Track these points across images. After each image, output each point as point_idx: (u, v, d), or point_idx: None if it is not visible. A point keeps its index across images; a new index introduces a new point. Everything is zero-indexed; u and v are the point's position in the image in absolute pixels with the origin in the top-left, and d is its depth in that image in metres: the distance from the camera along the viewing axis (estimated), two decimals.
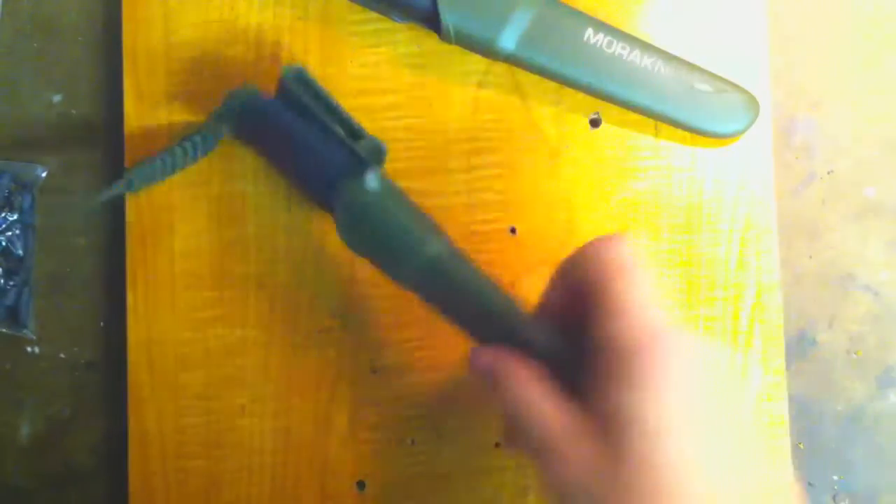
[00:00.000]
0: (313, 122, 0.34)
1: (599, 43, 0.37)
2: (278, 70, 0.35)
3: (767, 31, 0.39)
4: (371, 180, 0.33)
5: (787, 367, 0.39)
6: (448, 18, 0.36)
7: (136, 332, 0.39)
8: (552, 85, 0.39)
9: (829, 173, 0.41)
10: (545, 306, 0.31)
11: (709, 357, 0.26)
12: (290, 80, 0.34)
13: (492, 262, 0.38)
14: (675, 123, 0.38)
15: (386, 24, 0.39)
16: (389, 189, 0.34)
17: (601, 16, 0.38)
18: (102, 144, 0.41)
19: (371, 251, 0.34)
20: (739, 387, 0.29)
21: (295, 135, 0.35)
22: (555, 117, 0.39)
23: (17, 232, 0.40)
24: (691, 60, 0.38)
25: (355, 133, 0.34)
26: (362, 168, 0.33)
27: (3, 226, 0.40)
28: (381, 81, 0.39)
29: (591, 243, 0.29)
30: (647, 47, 0.37)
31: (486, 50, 0.37)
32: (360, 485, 0.39)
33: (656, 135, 0.39)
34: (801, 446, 0.41)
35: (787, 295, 0.40)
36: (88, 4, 0.41)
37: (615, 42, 0.37)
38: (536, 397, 0.27)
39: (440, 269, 0.32)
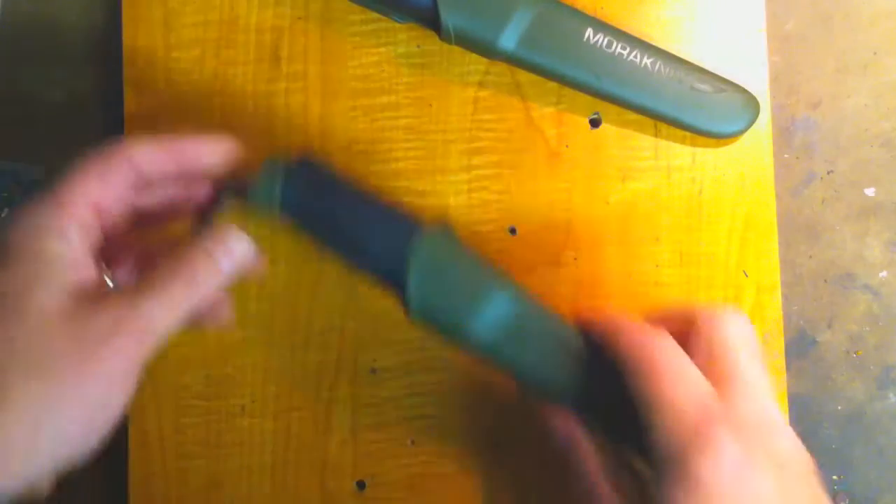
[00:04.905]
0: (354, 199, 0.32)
1: (599, 43, 0.37)
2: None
3: (767, 31, 0.39)
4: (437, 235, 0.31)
5: (787, 368, 0.39)
6: (448, 18, 0.36)
7: None
8: (552, 85, 0.39)
9: (829, 173, 0.41)
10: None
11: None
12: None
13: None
14: (675, 123, 0.38)
15: (386, 24, 0.39)
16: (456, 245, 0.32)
17: (601, 16, 0.38)
18: (102, 144, 0.41)
19: (444, 309, 0.31)
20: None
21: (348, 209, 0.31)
22: (555, 117, 0.39)
23: None
24: (691, 60, 0.38)
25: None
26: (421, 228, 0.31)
27: None
28: (381, 81, 0.39)
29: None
30: (647, 47, 0.37)
31: (486, 50, 0.37)
32: (360, 485, 0.39)
33: (656, 135, 0.39)
34: None
35: (787, 295, 0.40)
36: (88, 4, 0.41)
37: (615, 42, 0.37)
38: (599, 479, 0.31)
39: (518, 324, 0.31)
